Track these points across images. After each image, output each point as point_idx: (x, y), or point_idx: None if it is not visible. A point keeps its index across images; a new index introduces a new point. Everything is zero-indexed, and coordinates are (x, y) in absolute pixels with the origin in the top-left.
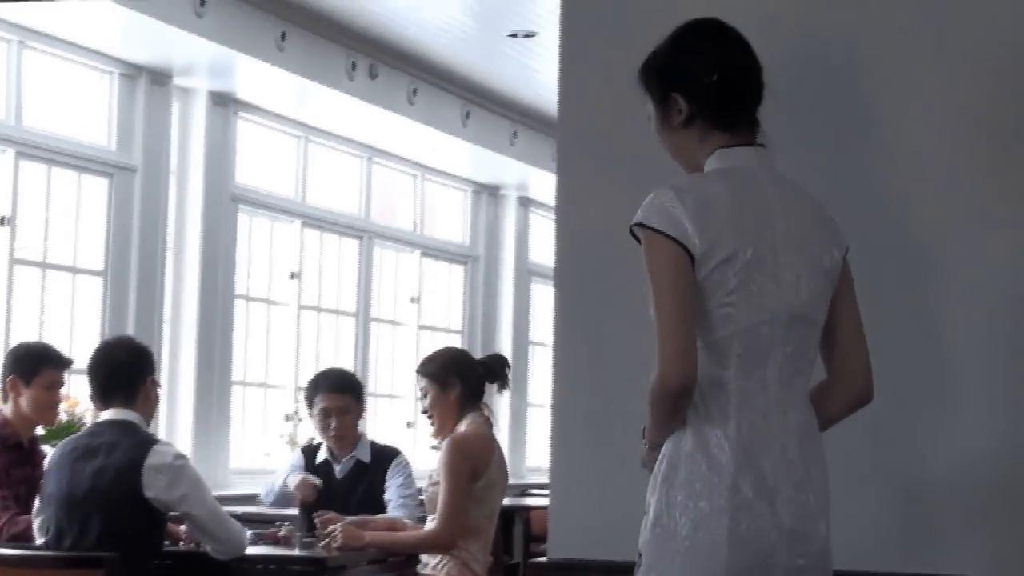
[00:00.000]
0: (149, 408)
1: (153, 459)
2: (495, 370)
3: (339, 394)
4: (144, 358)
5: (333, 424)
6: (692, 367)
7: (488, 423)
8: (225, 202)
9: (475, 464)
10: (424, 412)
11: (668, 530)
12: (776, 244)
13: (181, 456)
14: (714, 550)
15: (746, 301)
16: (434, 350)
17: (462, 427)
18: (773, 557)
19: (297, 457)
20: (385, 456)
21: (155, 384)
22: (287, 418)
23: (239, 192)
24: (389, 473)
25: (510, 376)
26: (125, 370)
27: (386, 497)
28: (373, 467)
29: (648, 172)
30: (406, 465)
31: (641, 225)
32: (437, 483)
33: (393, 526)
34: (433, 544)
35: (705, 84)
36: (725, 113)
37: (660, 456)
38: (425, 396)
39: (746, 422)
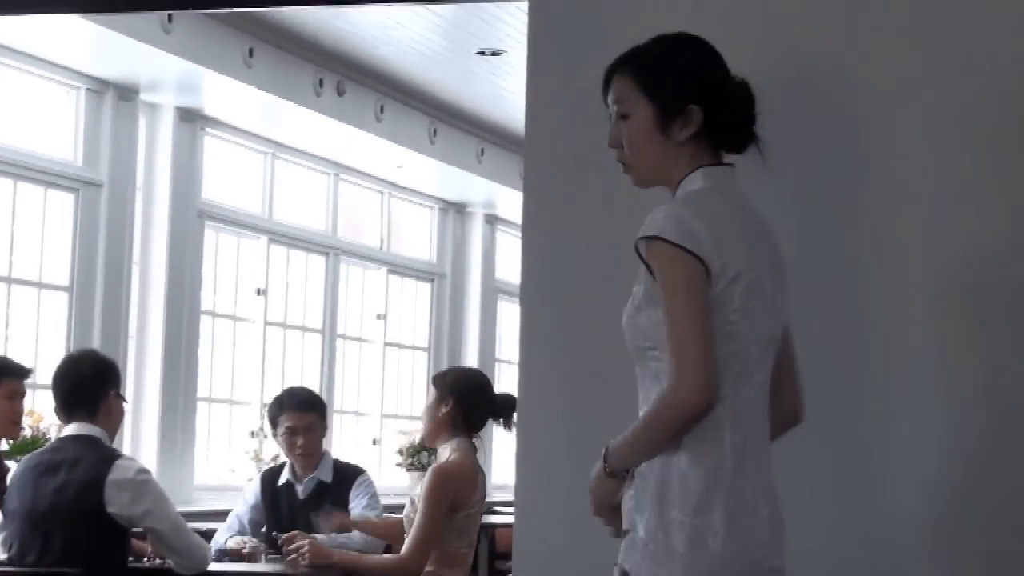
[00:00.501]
0: (112, 422)
1: (115, 474)
2: (502, 410)
3: (305, 412)
4: (107, 372)
5: (300, 442)
6: (716, 387)
7: (473, 448)
8: (191, 218)
9: (457, 497)
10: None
11: (664, 548)
12: (765, 264)
13: (144, 471)
14: (713, 565)
15: (746, 320)
16: (457, 366)
17: (447, 452)
18: (761, 568)
19: (252, 493)
20: (347, 475)
21: (119, 398)
22: (252, 434)
23: (206, 208)
24: (353, 492)
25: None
26: (88, 384)
27: (351, 507)
28: (335, 487)
29: (615, 191)
30: (369, 484)
31: (658, 239)
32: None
33: (365, 526)
34: (397, 570)
35: (730, 102)
36: (738, 134)
37: (639, 476)
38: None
39: (739, 438)
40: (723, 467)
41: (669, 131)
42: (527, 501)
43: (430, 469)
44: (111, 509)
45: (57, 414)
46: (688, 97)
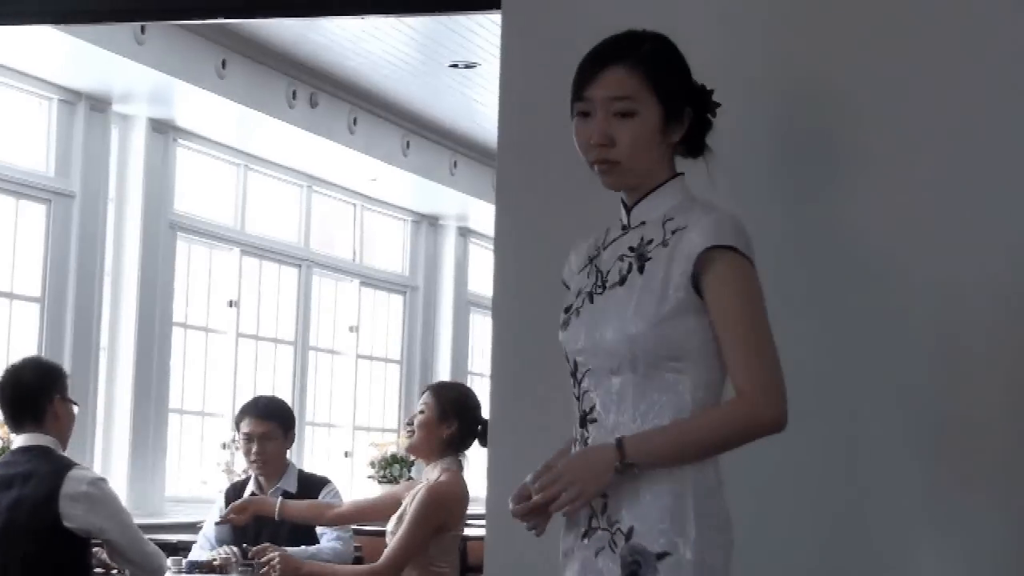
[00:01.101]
0: (61, 428)
1: (69, 487)
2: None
3: (262, 420)
4: (49, 377)
5: (254, 449)
6: (786, 403)
7: (460, 466)
8: (164, 229)
9: (448, 519)
10: (408, 424)
11: (711, 568)
12: None
13: (96, 481)
14: None
15: None
16: (457, 382)
17: (437, 472)
18: None
19: (217, 509)
20: (312, 485)
21: (65, 402)
22: (224, 446)
23: (178, 219)
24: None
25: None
26: (31, 392)
27: (319, 530)
28: (300, 497)
29: (587, 203)
30: (336, 495)
31: (733, 249)
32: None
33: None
34: None
35: (709, 106)
36: (702, 139)
37: (668, 493)
38: (421, 412)
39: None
40: (722, 482)
41: (668, 133)
42: (499, 515)
43: (425, 488)
44: (68, 524)
45: (7, 425)
46: (687, 99)
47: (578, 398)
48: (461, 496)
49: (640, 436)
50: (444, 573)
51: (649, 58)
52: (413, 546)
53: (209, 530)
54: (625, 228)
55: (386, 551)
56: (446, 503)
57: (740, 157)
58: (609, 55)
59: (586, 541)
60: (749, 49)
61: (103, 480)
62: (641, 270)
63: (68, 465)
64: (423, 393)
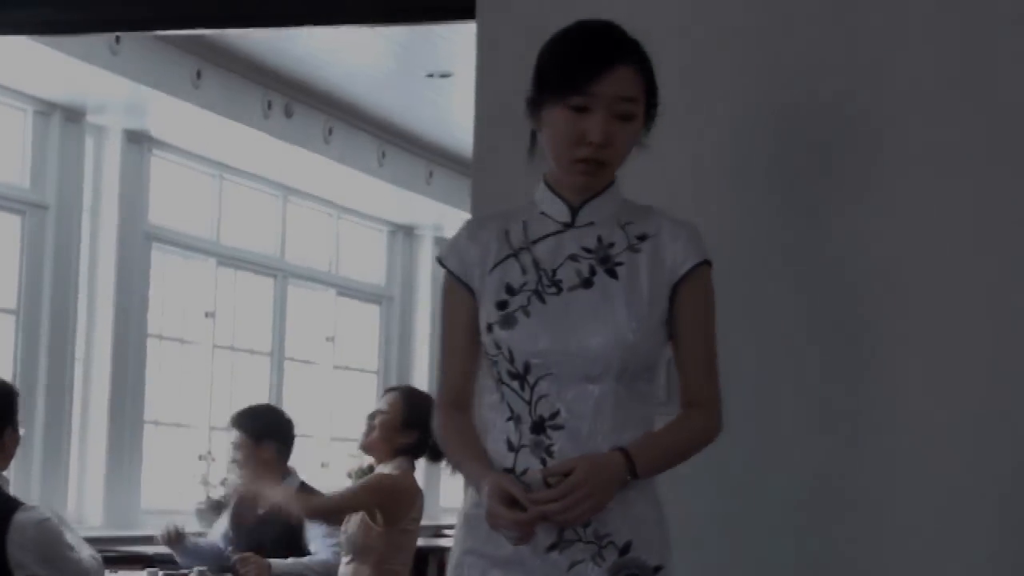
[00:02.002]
0: (7, 457)
1: (15, 535)
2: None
3: (232, 428)
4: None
5: (231, 456)
6: None
7: (413, 467)
8: (139, 240)
9: (392, 506)
10: (370, 418)
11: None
12: None
13: (42, 522)
14: None
15: None
16: (427, 393)
17: (389, 468)
18: None
19: (226, 515)
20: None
21: (15, 432)
22: (200, 458)
23: (153, 230)
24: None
25: None
26: None
27: (309, 537)
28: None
29: None
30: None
31: (710, 265)
32: (357, 523)
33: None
34: (318, 508)
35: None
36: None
37: (654, 505)
38: (384, 412)
39: None
40: None
41: (639, 138)
42: None
43: (377, 471)
44: (18, 574)
45: None
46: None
47: (529, 402)
48: (410, 489)
49: (640, 447)
50: (397, 571)
51: (647, 61)
52: (348, 502)
53: (217, 537)
54: (567, 225)
55: (338, 493)
56: (394, 490)
57: (739, 158)
58: (616, 52)
59: (556, 554)
60: (717, 62)
61: (47, 520)
62: (613, 275)
63: (12, 508)
64: (389, 392)
